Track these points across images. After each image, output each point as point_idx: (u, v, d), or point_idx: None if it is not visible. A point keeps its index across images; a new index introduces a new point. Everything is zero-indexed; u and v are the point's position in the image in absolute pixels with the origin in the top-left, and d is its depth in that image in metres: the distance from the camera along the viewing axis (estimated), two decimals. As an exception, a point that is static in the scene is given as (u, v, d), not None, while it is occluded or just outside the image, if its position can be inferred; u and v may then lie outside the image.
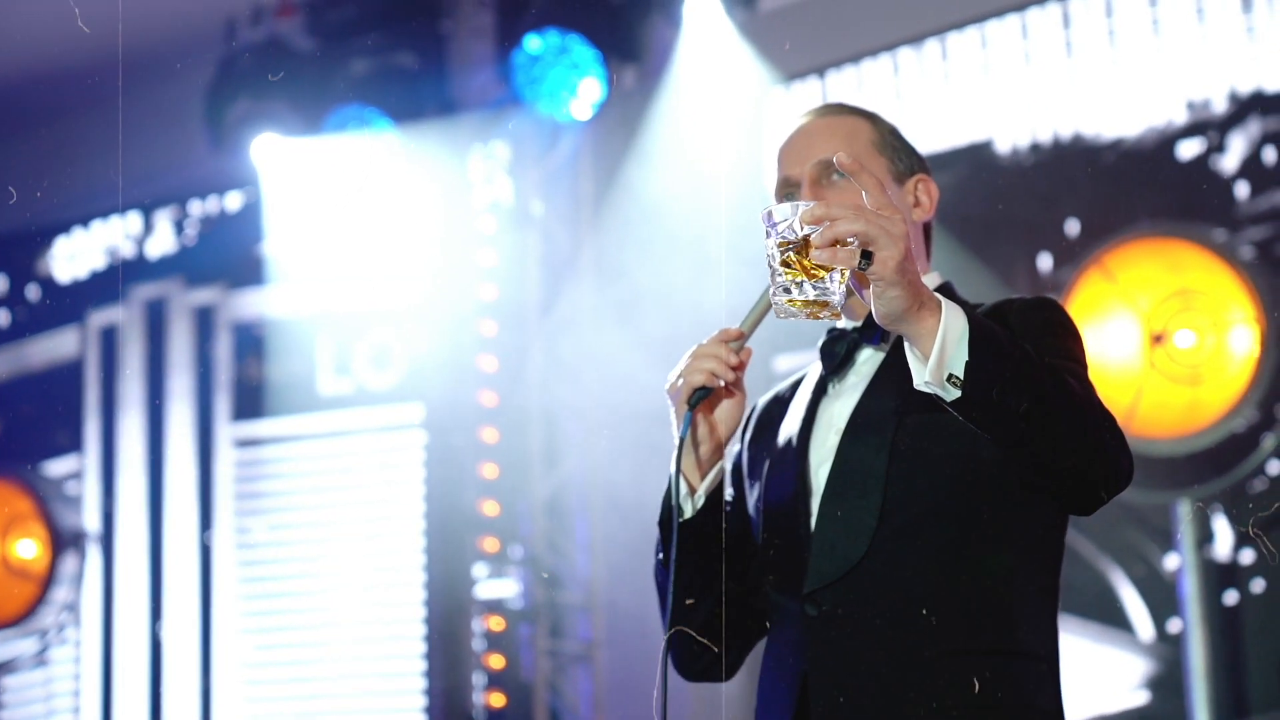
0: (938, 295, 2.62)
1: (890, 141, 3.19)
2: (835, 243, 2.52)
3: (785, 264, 2.56)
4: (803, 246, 2.55)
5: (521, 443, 7.77)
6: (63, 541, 8.44)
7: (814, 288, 2.56)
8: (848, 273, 2.55)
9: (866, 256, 2.52)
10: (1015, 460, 2.74)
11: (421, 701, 7.82)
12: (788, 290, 2.57)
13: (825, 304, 2.57)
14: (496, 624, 7.65)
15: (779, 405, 3.24)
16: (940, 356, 2.59)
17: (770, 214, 2.57)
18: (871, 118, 3.22)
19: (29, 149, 8.68)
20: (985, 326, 2.63)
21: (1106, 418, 2.76)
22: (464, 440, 7.76)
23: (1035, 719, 2.92)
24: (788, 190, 3.13)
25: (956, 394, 2.60)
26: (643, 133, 7.50)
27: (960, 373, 2.59)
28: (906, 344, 2.64)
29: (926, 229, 3.21)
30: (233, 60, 7.91)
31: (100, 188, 8.70)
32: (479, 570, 7.71)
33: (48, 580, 8.42)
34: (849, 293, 2.59)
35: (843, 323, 3.14)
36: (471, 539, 7.70)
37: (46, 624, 8.53)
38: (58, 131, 8.55)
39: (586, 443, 7.80)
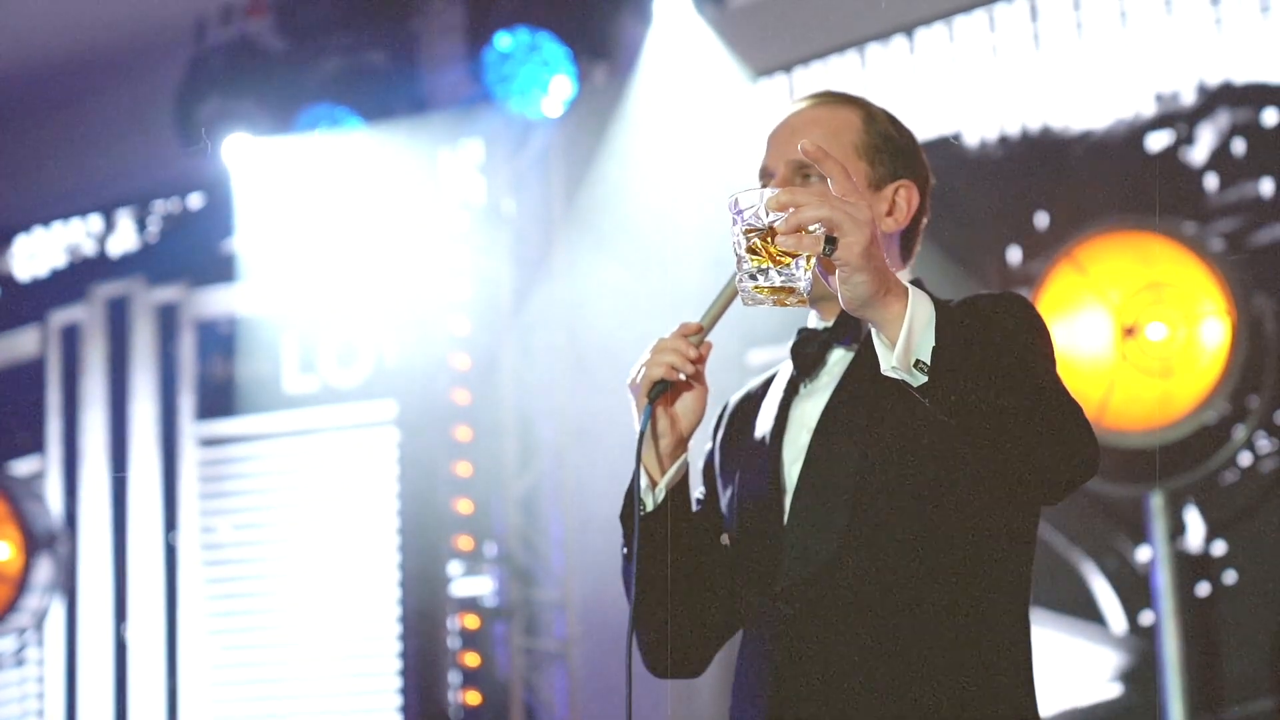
0: (904, 282, 2.62)
1: (875, 143, 3.15)
2: (800, 229, 2.52)
3: (751, 250, 2.57)
4: (768, 233, 2.55)
5: (495, 440, 7.76)
6: (36, 543, 8.41)
7: (779, 274, 2.56)
8: (814, 259, 2.55)
9: (831, 242, 2.52)
10: (981, 449, 2.73)
11: (397, 700, 7.81)
12: (754, 277, 2.57)
13: (791, 290, 2.57)
14: (471, 622, 7.65)
15: (751, 403, 3.22)
16: (907, 342, 2.58)
17: (736, 201, 2.57)
18: (866, 113, 3.18)
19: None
20: (952, 313, 2.62)
21: (1072, 407, 2.76)
22: (437, 438, 7.76)
23: (1008, 713, 2.91)
24: (764, 180, 3.12)
25: (923, 379, 2.59)
26: (614, 130, 7.50)
27: (927, 358, 2.58)
28: (874, 331, 2.63)
29: (905, 237, 3.18)
30: (203, 60, 7.90)
31: (63, 187, 8.68)
32: (454, 568, 7.70)
33: (21, 582, 8.39)
34: (815, 282, 2.59)
35: (814, 323, 3.13)
36: (446, 537, 7.69)
37: (23, 624, 8.51)
38: (24, 130, 8.54)
39: (560, 440, 7.80)
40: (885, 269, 2.57)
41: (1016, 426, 2.67)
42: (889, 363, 2.61)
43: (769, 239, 2.55)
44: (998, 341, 2.69)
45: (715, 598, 3.12)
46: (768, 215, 2.54)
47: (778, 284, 2.57)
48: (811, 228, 2.52)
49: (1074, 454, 2.75)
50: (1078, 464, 2.76)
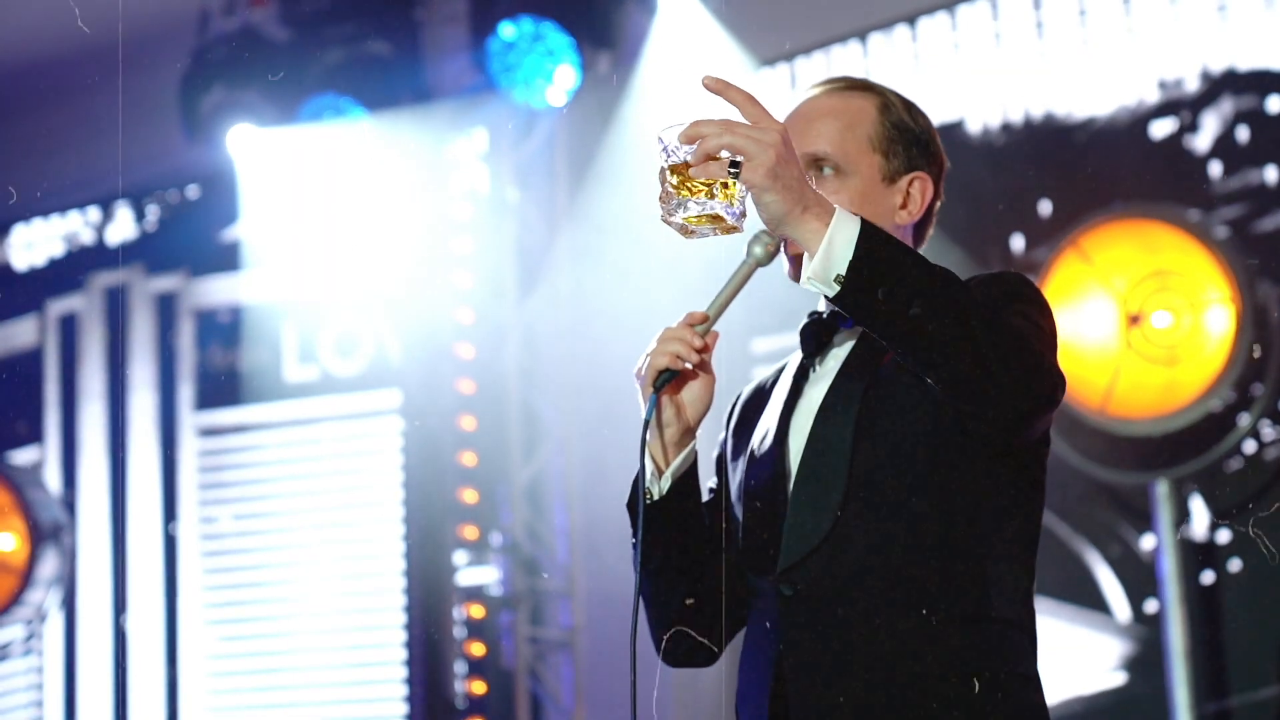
0: (833, 204, 2.72)
1: (890, 134, 3.13)
2: (708, 157, 2.66)
3: (674, 184, 2.70)
4: (685, 166, 2.69)
5: (500, 430, 7.77)
6: (41, 534, 8.41)
7: (696, 204, 2.70)
8: (736, 185, 2.68)
9: (737, 165, 2.65)
10: (909, 367, 2.79)
11: (402, 690, 7.82)
12: (679, 208, 2.72)
13: (716, 217, 2.71)
14: (477, 611, 7.66)
15: (761, 393, 3.23)
16: (826, 256, 2.67)
17: (661, 139, 2.71)
18: (882, 101, 3.17)
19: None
20: (879, 232, 2.71)
21: (1022, 341, 2.77)
22: (442, 428, 7.76)
23: (1013, 684, 2.91)
24: None
25: (838, 289, 2.68)
26: (618, 119, 7.50)
27: (845, 272, 2.67)
28: (805, 254, 2.72)
29: (919, 229, 3.18)
30: (207, 50, 7.90)
31: (64, 179, 8.66)
32: (459, 558, 7.71)
33: (27, 573, 8.39)
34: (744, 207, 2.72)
35: (822, 306, 3.14)
36: (451, 527, 7.70)
37: (27, 616, 8.51)
38: (24, 120, 8.53)
39: (565, 430, 7.80)
40: (800, 187, 2.68)
41: (943, 346, 2.71)
42: (805, 274, 2.70)
43: (687, 171, 2.69)
44: (935, 268, 2.74)
45: (726, 585, 3.13)
46: (679, 149, 2.68)
47: (696, 213, 2.71)
48: (722, 155, 2.65)
49: (1010, 379, 2.74)
50: (1022, 393, 2.76)
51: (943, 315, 2.69)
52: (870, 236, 2.69)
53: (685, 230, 2.74)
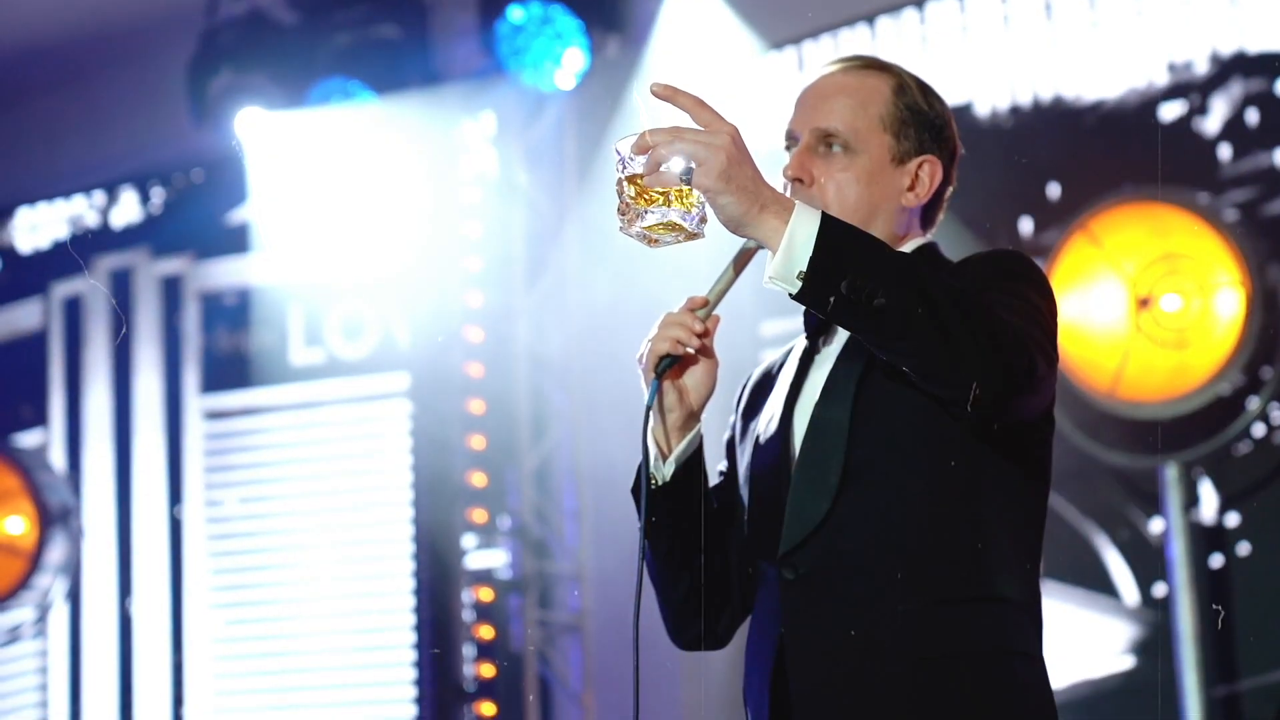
0: (792, 200, 2.72)
1: (903, 116, 3.14)
2: (659, 166, 2.67)
3: (632, 196, 2.72)
4: (640, 176, 2.71)
5: (509, 414, 7.78)
6: (50, 517, 8.41)
7: (654, 213, 2.72)
8: (693, 192, 2.70)
9: (688, 171, 2.66)
10: (881, 356, 2.80)
11: (411, 673, 7.82)
12: (637, 218, 2.74)
13: (675, 225, 2.73)
14: (486, 595, 7.67)
15: (769, 377, 3.24)
16: (787, 254, 2.67)
17: (617, 150, 2.72)
18: (898, 83, 3.17)
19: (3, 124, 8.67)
20: (841, 225, 2.71)
21: (992, 316, 2.75)
22: (451, 411, 7.77)
23: (1015, 664, 2.92)
24: (790, 143, 3.14)
25: (800, 285, 2.68)
26: (626, 102, 7.49)
27: (806, 268, 2.67)
28: (768, 252, 2.72)
29: (927, 207, 3.18)
30: (215, 34, 7.89)
31: (71, 162, 8.65)
32: (468, 541, 7.72)
33: (36, 556, 8.39)
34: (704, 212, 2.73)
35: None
36: (459, 510, 7.71)
37: (35, 599, 8.51)
38: (33, 104, 8.53)
39: (573, 413, 7.80)
40: (756, 187, 2.68)
41: (913, 334, 2.70)
42: (767, 274, 2.70)
43: (642, 181, 2.71)
44: (901, 257, 2.79)
45: (735, 569, 3.13)
46: (634, 160, 2.70)
47: (654, 222, 2.72)
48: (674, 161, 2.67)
49: (991, 365, 2.73)
50: (995, 375, 2.74)
51: (908, 303, 2.69)
52: (831, 230, 2.68)
53: (648, 240, 2.75)
